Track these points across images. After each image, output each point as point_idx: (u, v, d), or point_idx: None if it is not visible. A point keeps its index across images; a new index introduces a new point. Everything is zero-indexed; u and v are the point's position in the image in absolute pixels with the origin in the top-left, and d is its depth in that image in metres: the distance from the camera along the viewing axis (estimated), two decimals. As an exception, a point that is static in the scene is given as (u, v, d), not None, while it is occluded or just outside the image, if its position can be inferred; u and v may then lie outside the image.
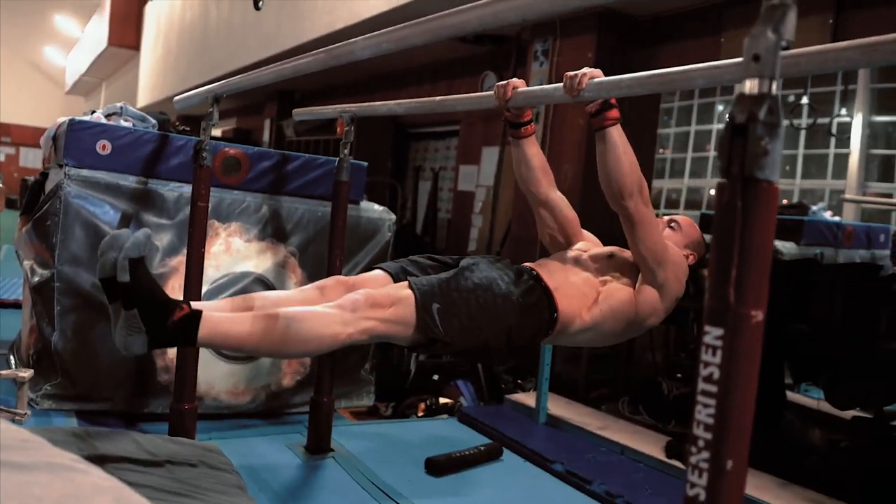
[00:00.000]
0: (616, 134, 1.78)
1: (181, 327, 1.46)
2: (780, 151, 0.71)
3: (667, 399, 3.37)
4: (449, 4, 1.18)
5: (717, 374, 0.73)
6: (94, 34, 16.19)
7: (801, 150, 6.27)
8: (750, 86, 0.72)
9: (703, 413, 0.74)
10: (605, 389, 4.00)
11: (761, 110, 0.70)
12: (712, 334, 0.73)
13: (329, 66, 1.70)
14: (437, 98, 2.17)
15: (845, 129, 6.46)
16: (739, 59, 1.36)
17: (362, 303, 1.60)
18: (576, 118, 4.43)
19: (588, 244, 2.12)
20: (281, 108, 8.86)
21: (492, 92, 1.99)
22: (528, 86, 1.97)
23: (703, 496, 0.72)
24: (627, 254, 1.98)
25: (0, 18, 19.78)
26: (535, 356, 3.26)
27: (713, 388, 0.73)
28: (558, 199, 2.12)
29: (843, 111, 6.46)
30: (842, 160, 7.07)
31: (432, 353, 1.78)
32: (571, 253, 2.05)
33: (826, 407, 3.21)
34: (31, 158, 19.52)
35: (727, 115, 0.72)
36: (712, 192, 5.54)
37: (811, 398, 3.82)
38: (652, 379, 3.58)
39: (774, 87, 0.71)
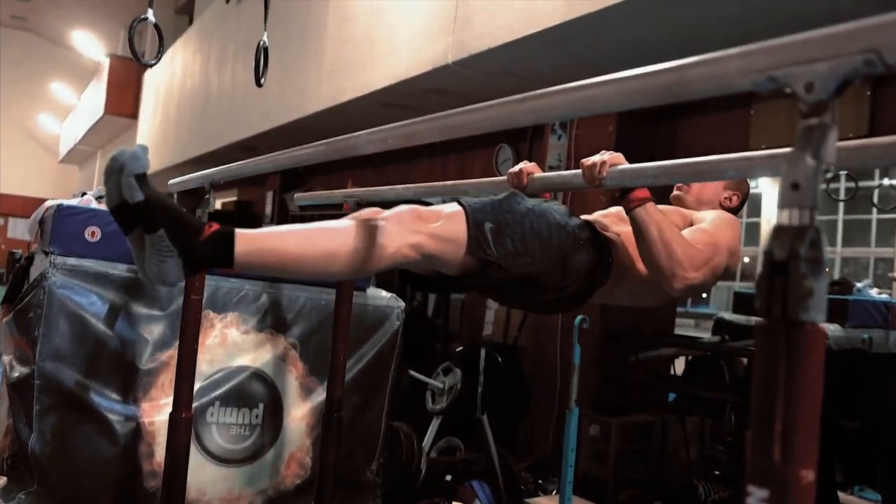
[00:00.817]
0: (643, 214, 1.75)
1: (215, 242, 1.36)
2: (825, 289, 0.69)
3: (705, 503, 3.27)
4: (460, 80, 1.18)
5: (760, 541, 0.69)
6: (91, 102, 16.62)
7: (840, 216, 6.26)
8: (789, 217, 0.70)
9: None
10: (636, 490, 3.89)
11: (803, 245, 0.67)
12: (756, 496, 0.69)
13: (330, 159, 1.71)
14: (449, 182, 2.19)
15: (888, 195, 6.45)
16: (773, 152, 1.36)
17: (408, 215, 1.55)
18: (597, 195, 4.44)
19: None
20: (284, 180, 8.97)
21: (504, 177, 1.99)
22: (546, 159, 1.98)
23: None
24: (677, 216, 1.96)
25: (-6, 86, 20.39)
26: (559, 450, 3.18)
27: (760, 557, 0.69)
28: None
29: (886, 178, 6.46)
30: (886, 226, 7.00)
31: (484, 281, 1.67)
32: (611, 210, 2.03)
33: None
34: (21, 230, 19.81)
35: (765, 251, 0.70)
36: (746, 259, 5.49)
37: (867, 500, 3.70)
38: (687, 481, 3.48)
39: (815, 217, 0.69)
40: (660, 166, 1.54)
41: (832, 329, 4.69)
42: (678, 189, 2.17)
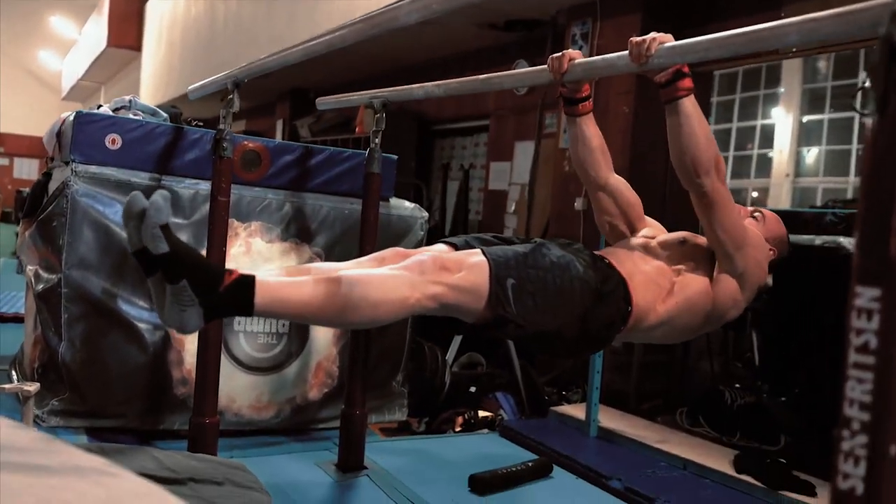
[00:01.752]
0: (690, 105, 1.71)
1: (235, 292, 1.39)
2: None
3: (730, 409, 3.28)
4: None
5: (874, 343, 0.66)
6: (92, 36, 16.35)
7: (854, 145, 6.16)
8: (906, -1, 0.65)
9: (858, 390, 0.67)
10: (658, 400, 3.91)
11: (925, 26, 0.63)
12: (866, 296, 0.66)
13: (368, 37, 1.66)
14: (482, 76, 2.12)
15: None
16: (844, 8, 1.30)
17: (430, 265, 1.54)
18: (619, 106, 4.36)
19: (654, 230, 2.06)
20: (294, 108, 8.85)
21: (544, 66, 1.93)
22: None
23: (860, 489, 0.65)
24: (701, 240, 1.91)
25: (-7, 22, 20.05)
26: (584, 362, 3.18)
27: (870, 360, 0.66)
28: (618, 181, 2.06)
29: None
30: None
31: (502, 335, 1.71)
32: (638, 240, 1.99)
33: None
34: (27, 170, 19.73)
35: (882, 36, 0.65)
36: (755, 193, 5.44)
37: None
38: (713, 388, 3.49)
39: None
40: (713, 39, 1.47)
41: (853, 242, 4.65)
42: None
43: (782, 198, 4.93)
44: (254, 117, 11.01)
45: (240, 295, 1.39)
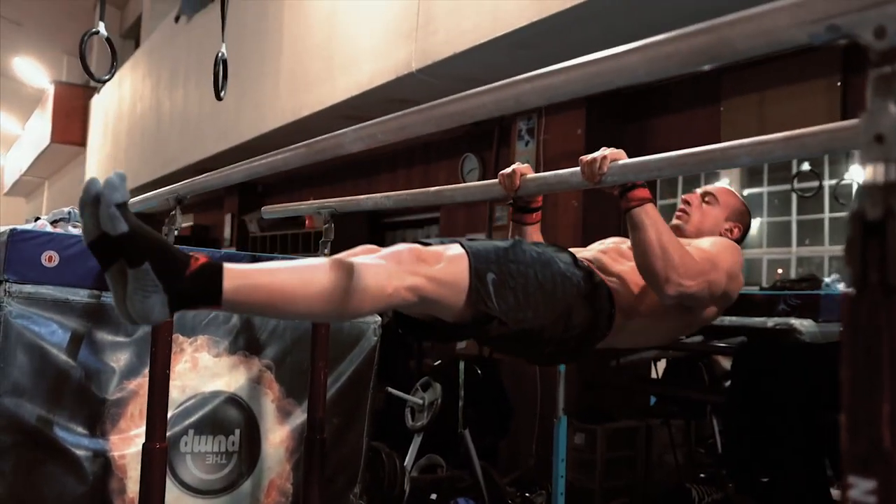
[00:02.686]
0: (642, 215, 1.69)
1: (202, 277, 1.27)
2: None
3: (698, 508, 3.20)
4: (425, 89, 1.10)
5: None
6: (36, 131, 16.22)
7: (794, 217, 6.32)
8: (874, 172, 0.62)
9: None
10: (624, 499, 3.81)
11: (897, 202, 0.60)
12: (861, 488, 0.61)
13: (311, 162, 1.62)
14: (433, 189, 2.10)
15: (845, 192, 6.53)
16: (798, 132, 1.30)
17: (407, 256, 1.46)
18: (569, 200, 4.39)
19: (619, 238, 2.05)
20: (242, 202, 8.80)
21: (495, 181, 1.91)
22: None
23: None
24: None
25: (-67, 119, 19.80)
26: (546, 461, 3.09)
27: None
28: None
29: (847, 174, 6.55)
30: (839, 223, 7.15)
31: (482, 335, 1.60)
32: (608, 245, 1.97)
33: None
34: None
35: (852, 212, 0.62)
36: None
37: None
38: (679, 486, 3.42)
39: (904, 172, 0.62)
40: (665, 158, 1.47)
41: (806, 325, 4.69)
42: (677, 218, 2.13)
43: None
44: (202, 211, 10.91)
45: (208, 280, 1.28)
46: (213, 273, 1.29)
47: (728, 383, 4.01)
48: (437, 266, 1.50)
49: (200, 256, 1.30)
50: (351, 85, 4.79)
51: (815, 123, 1.23)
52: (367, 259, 1.45)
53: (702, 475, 4.11)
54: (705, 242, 1.94)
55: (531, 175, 1.86)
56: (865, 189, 0.62)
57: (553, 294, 1.63)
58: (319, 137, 1.55)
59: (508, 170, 1.89)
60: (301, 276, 1.37)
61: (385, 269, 1.43)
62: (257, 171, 1.84)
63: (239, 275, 1.32)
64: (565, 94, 0.99)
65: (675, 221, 2.11)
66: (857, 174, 6.11)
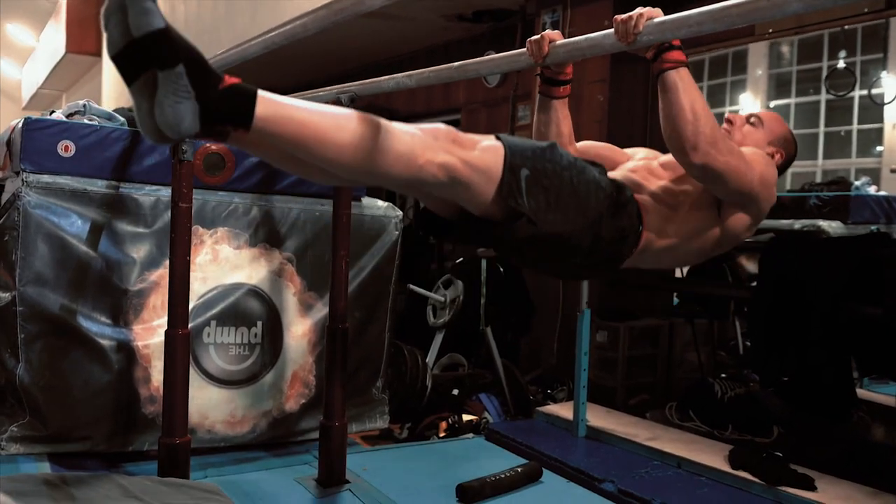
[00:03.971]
0: (676, 77, 1.59)
1: (236, 94, 1.20)
2: None
3: (721, 402, 3.19)
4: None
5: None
6: (51, 42, 16.00)
7: (821, 129, 6.12)
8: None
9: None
10: (645, 395, 3.82)
11: None
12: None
13: (331, 25, 1.53)
14: (455, 64, 2.00)
15: (868, 106, 6.34)
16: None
17: (444, 134, 1.41)
18: (593, 94, 4.26)
19: (650, 152, 1.98)
20: (260, 109, 8.67)
21: (522, 50, 1.81)
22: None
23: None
24: None
25: (-53, 31, 19.63)
26: (569, 359, 3.08)
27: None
28: (585, 147, 1.99)
29: (882, 80, 6.32)
30: (866, 136, 6.95)
31: (508, 234, 1.53)
32: (638, 163, 1.89)
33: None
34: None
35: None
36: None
37: (882, 394, 3.65)
38: (702, 380, 3.40)
39: None
40: (705, 12, 1.37)
41: (834, 226, 4.60)
42: None
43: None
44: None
45: (241, 98, 1.21)
46: (248, 93, 1.21)
47: (754, 283, 3.95)
48: (473, 152, 1.43)
49: (234, 77, 1.22)
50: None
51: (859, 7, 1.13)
52: (404, 126, 1.38)
53: (723, 375, 4.10)
54: (744, 149, 1.83)
55: (560, 41, 1.76)
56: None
57: (586, 200, 1.56)
58: (336, -4, 1.46)
59: (537, 36, 1.79)
60: (337, 120, 1.30)
61: (421, 139, 1.37)
62: (276, 42, 1.77)
63: (273, 103, 1.24)
64: None
65: None
66: (891, 81, 5.90)
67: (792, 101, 7.26)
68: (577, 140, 2.02)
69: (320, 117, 1.28)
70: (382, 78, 2.28)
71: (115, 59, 1.15)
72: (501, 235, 1.56)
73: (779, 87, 7.57)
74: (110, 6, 1.12)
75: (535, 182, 1.49)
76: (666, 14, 1.54)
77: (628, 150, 2.05)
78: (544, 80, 1.93)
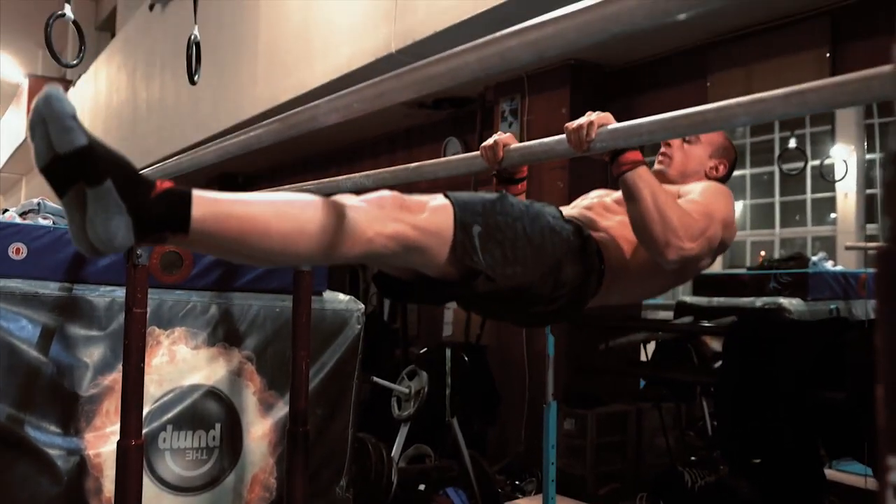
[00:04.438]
0: (636, 178, 1.61)
1: (169, 200, 1.15)
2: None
3: (691, 492, 3.15)
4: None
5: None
6: (11, 126, 15.95)
7: (777, 198, 6.24)
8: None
9: None
10: (616, 483, 3.75)
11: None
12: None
13: (284, 139, 1.53)
14: (413, 164, 2.01)
15: (829, 171, 6.51)
16: (793, 89, 1.22)
17: (390, 202, 1.36)
18: (553, 181, 4.31)
19: (603, 191, 1.97)
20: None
21: (477, 153, 1.82)
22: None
23: None
24: None
25: None
26: (536, 449, 3.01)
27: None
28: None
29: (831, 152, 6.50)
30: (821, 204, 7.14)
31: (468, 292, 1.50)
32: (592, 200, 1.89)
33: (875, 484, 3.02)
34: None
35: (887, 155, 0.54)
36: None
37: (851, 474, 3.63)
38: (671, 469, 3.36)
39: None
40: (657, 121, 1.38)
41: (795, 303, 4.65)
42: (659, 163, 2.04)
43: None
44: (182, 203, 10.75)
45: (175, 204, 1.16)
46: (182, 197, 1.17)
47: (718, 364, 3.96)
48: (421, 215, 1.40)
49: (166, 181, 1.19)
50: (329, 69, 4.68)
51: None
52: (349, 200, 1.35)
53: (693, 458, 4.06)
54: (696, 191, 1.84)
55: (515, 145, 1.77)
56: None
57: (542, 248, 1.54)
58: (293, 111, 1.46)
59: (490, 141, 1.80)
60: (277, 208, 1.26)
61: (366, 212, 1.33)
62: (229, 151, 1.75)
63: (210, 202, 1.20)
64: (556, 47, 0.90)
65: (657, 167, 2.01)
66: (840, 153, 6.09)
67: (747, 171, 7.44)
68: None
69: (260, 209, 1.24)
70: (340, 178, 2.28)
71: (43, 172, 1.12)
72: (460, 294, 1.53)
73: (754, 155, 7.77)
74: (33, 118, 1.09)
75: (489, 237, 1.47)
76: (615, 114, 1.57)
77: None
78: (501, 180, 1.94)
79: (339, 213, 1.30)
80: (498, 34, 0.96)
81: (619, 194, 1.88)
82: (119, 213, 1.11)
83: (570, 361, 4.11)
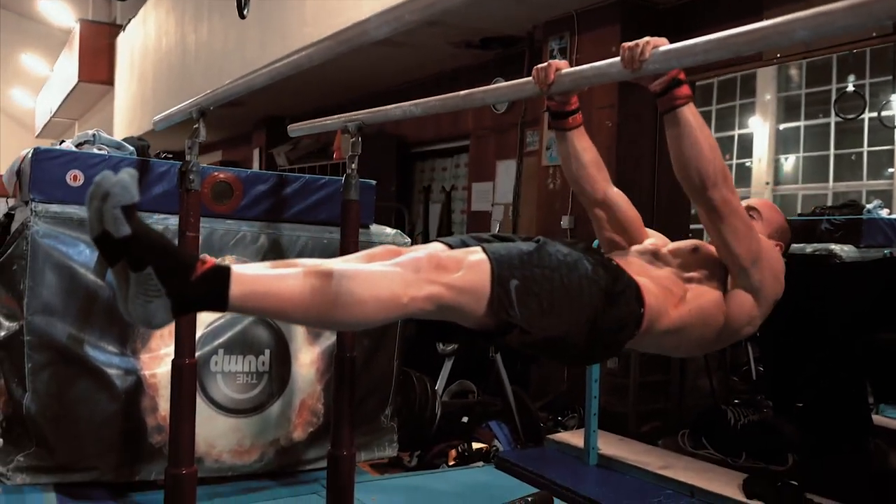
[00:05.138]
0: (689, 114, 1.59)
1: (208, 282, 1.23)
2: None
3: (734, 429, 3.15)
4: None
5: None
6: (64, 71, 16.20)
7: (832, 151, 6.06)
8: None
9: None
10: (657, 422, 3.78)
11: None
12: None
13: (336, 55, 1.53)
14: (462, 93, 2.00)
15: (890, 121, 6.32)
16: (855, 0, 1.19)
17: (426, 263, 1.39)
18: (602, 120, 4.26)
19: (659, 239, 1.93)
20: (270, 136, 8.73)
21: (528, 79, 1.81)
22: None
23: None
24: (714, 249, 1.78)
25: (-38, 61, 19.90)
26: (580, 386, 3.05)
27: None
28: (616, 195, 1.93)
29: (892, 100, 6.30)
30: (877, 158, 6.94)
31: (505, 343, 1.52)
32: (646, 247, 1.86)
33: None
34: (2, 209, 19.44)
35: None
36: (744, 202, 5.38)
37: (897, 420, 3.60)
38: (714, 407, 3.36)
39: None
40: (712, 40, 1.36)
41: (846, 250, 4.56)
42: None
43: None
44: (230, 147, 10.88)
45: (213, 286, 1.24)
46: (221, 278, 1.25)
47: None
48: (458, 273, 1.42)
49: (208, 260, 1.25)
50: (377, 5, 4.64)
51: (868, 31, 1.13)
52: (383, 267, 1.38)
53: (736, 400, 4.06)
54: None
55: (567, 70, 1.75)
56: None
57: (579, 299, 1.54)
58: (343, 27, 1.46)
59: (543, 64, 1.78)
60: (312, 284, 1.31)
61: (401, 277, 1.36)
62: (282, 72, 1.77)
63: (248, 280, 1.27)
64: None
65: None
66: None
67: (801, 123, 7.24)
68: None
69: (298, 286, 1.30)
70: (390, 107, 2.29)
71: (94, 241, 1.20)
72: (497, 342, 1.55)
73: (788, 110, 7.55)
74: (92, 193, 1.17)
75: (526, 291, 1.48)
76: (672, 42, 1.54)
77: (647, 230, 2.00)
78: (552, 114, 1.93)
79: (373, 284, 1.34)
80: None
81: (674, 245, 1.86)
82: (158, 296, 1.20)
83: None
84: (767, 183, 7.75)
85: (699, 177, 1.59)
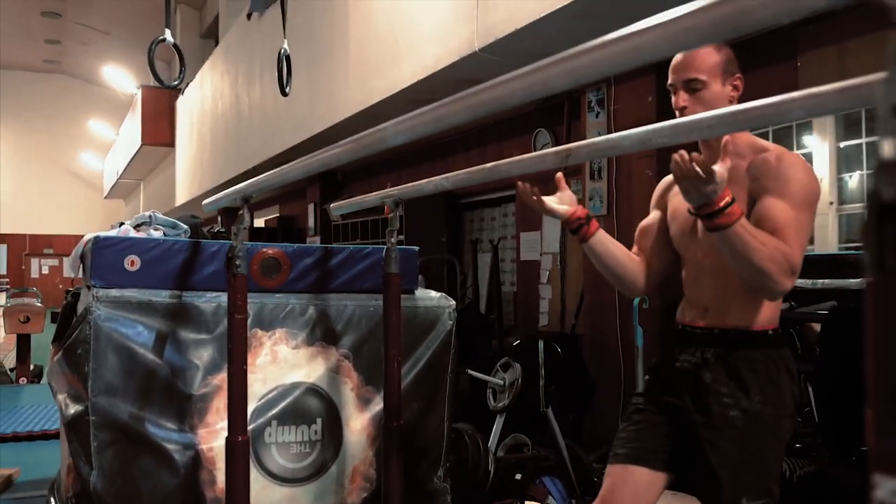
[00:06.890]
0: (732, 235, 1.62)
1: None
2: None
3: (790, 482, 3.10)
4: (489, 68, 1.08)
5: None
6: (128, 135, 16.90)
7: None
8: (892, 149, 0.58)
9: None
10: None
11: (917, 180, 0.56)
12: (887, 488, 0.57)
13: (360, 156, 1.63)
14: (488, 165, 2.09)
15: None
16: (851, 82, 1.23)
17: None
18: (641, 169, 4.29)
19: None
20: (324, 191, 8.95)
21: (547, 150, 1.89)
22: (585, 138, 1.88)
23: None
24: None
25: (36, 131, 20.89)
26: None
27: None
28: (650, 265, 2.03)
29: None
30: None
31: None
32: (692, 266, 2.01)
33: None
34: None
35: (869, 193, 0.58)
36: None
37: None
38: (770, 458, 3.31)
39: (927, 146, 0.57)
40: (714, 116, 1.42)
41: None
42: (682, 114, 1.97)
43: (829, 227, 4.76)
44: (287, 201, 11.16)
45: None
46: None
47: (819, 350, 3.85)
48: None
49: None
50: (417, 69, 4.79)
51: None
52: None
53: (797, 445, 3.97)
54: (779, 189, 1.76)
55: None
56: (881, 168, 0.57)
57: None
58: (364, 133, 1.55)
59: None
60: None
61: None
62: (312, 168, 1.87)
63: None
64: (588, 76, 0.96)
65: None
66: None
67: (863, 140, 7.10)
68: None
69: None
70: (422, 182, 2.38)
71: None
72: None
73: (847, 126, 7.40)
74: None
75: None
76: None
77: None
78: (570, 231, 2.04)
79: None
80: (537, 65, 1.03)
81: (703, 247, 1.95)
82: None
83: (663, 349, 4.08)
84: (832, 203, 7.58)
85: (762, 285, 1.67)
